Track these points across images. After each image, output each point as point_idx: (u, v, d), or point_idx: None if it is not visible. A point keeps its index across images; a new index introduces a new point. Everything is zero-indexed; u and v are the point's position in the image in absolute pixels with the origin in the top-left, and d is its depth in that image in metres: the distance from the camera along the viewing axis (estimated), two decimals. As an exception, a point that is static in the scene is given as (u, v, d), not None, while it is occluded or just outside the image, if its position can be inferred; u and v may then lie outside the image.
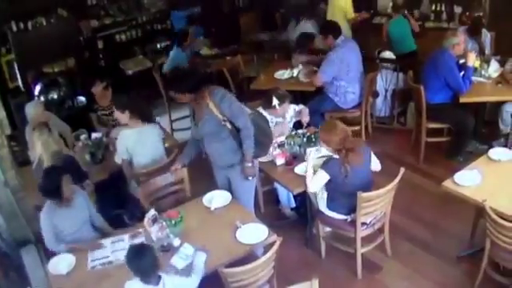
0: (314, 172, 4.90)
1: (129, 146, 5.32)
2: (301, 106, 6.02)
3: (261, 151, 4.95)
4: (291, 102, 5.93)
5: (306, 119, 5.85)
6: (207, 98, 4.60)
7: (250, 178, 4.95)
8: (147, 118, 5.53)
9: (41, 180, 4.46)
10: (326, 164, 4.66)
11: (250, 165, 4.84)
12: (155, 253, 3.59)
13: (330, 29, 7.01)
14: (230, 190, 5.03)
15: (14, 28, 8.54)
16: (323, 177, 4.65)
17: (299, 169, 5.16)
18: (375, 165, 4.89)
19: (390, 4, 9.20)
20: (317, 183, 4.73)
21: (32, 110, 5.99)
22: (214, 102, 4.59)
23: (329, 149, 4.70)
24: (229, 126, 4.67)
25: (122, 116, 5.31)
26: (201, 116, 4.73)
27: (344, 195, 4.69)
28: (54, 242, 4.44)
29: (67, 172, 4.43)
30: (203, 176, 5.41)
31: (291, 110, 5.95)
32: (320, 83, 6.90)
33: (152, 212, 4.37)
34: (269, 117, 5.55)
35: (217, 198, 4.82)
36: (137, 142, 5.32)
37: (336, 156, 4.64)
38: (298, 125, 5.96)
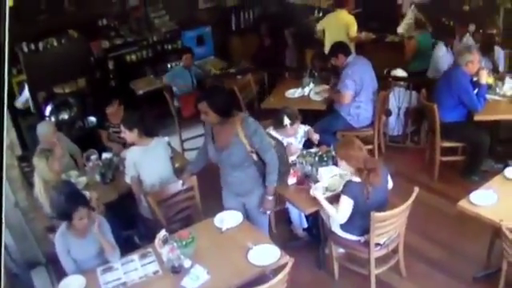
0: (328, 190, 4.90)
1: (136, 161, 5.30)
2: (307, 127, 5.98)
3: (281, 181, 4.93)
4: (301, 122, 5.90)
5: (315, 137, 5.82)
6: (238, 127, 4.56)
7: (268, 213, 4.94)
8: (155, 134, 5.53)
9: (57, 204, 4.44)
10: (347, 188, 4.60)
11: (271, 198, 4.80)
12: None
13: (339, 48, 7.01)
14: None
15: (25, 49, 8.57)
16: (348, 203, 4.59)
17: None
18: (389, 183, 4.84)
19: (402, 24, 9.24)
20: (344, 212, 4.64)
21: (44, 129, 5.99)
22: (245, 133, 4.55)
23: (349, 169, 4.64)
24: (255, 157, 4.65)
25: (130, 135, 5.29)
26: (224, 142, 4.66)
27: (358, 216, 4.63)
28: (71, 264, 4.42)
29: (84, 205, 4.38)
30: (214, 196, 5.37)
31: (301, 130, 5.91)
32: (349, 100, 6.81)
33: (163, 233, 4.34)
34: (279, 137, 5.50)
35: (228, 219, 4.77)
36: (143, 158, 5.30)
37: (355, 179, 4.59)
38: (308, 144, 5.91)
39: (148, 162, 5.31)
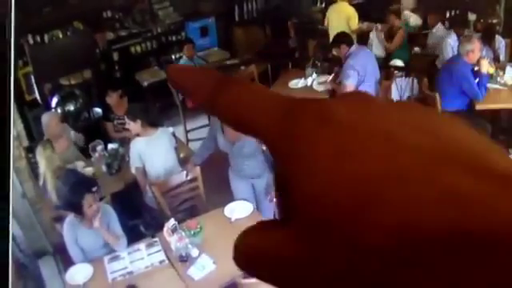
0: None
1: (141, 152, 5.34)
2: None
3: None
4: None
5: None
6: None
7: (275, 200, 4.99)
8: (160, 125, 5.58)
9: (64, 194, 4.50)
10: None
11: None
12: None
13: (342, 38, 7.02)
14: (252, 198, 5.06)
15: (31, 41, 8.63)
16: None
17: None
18: None
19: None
20: None
21: (47, 119, 6.04)
22: None
23: None
24: (264, 148, 4.70)
25: (134, 126, 5.33)
26: (235, 135, 4.70)
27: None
28: (79, 253, 4.48)
29: (89, 192, 4.44)
30: (218, 187, 5.42)
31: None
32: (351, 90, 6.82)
33: (172, 222, 4.39)
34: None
35: (239, 209, 4.81)
36: (148, 148, 5.33)
37: None
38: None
39: (153, 152, 5.35)
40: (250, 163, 4.86)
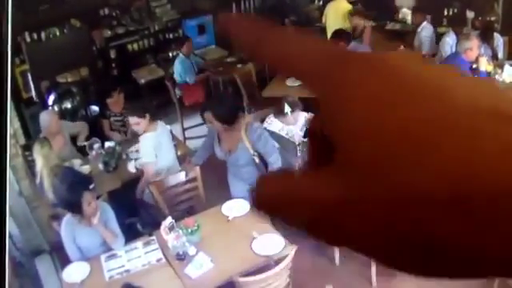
0: None
1: (155, 146, 5.25)
2: (311, 114, 6.00)
3: None
4: (302, 110, 5.93)
5: None
6: (242, 133, 4.62)
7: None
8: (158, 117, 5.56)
9: (62, 193, 4.49)
10: None
11: None
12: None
13: (341, 35, 7.02)
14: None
15: (28, 39, 8.61)
16: None
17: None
18: None
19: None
20: None
21: (46, 118, 6.03)
22: (249, 139, 4.62)
23: None
24: (257, 160, 4.71)
25: (143, 122, 5.24)
26: (230, 146, 4.76)
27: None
28: (76, 252, 4.46)
29: (87, 189, 4.42)
30: (217, 187, 5.41)
31: (302, 118, 5.93)
32: None
33: (169, 220, 4.39)
34: (280, 125, 5.54)
35: (236, 208, 4.81)
36: (157, 142, 5.29)
37: None
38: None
39: (161, 146, 5.32)
40: (247, 170, 4.87)
